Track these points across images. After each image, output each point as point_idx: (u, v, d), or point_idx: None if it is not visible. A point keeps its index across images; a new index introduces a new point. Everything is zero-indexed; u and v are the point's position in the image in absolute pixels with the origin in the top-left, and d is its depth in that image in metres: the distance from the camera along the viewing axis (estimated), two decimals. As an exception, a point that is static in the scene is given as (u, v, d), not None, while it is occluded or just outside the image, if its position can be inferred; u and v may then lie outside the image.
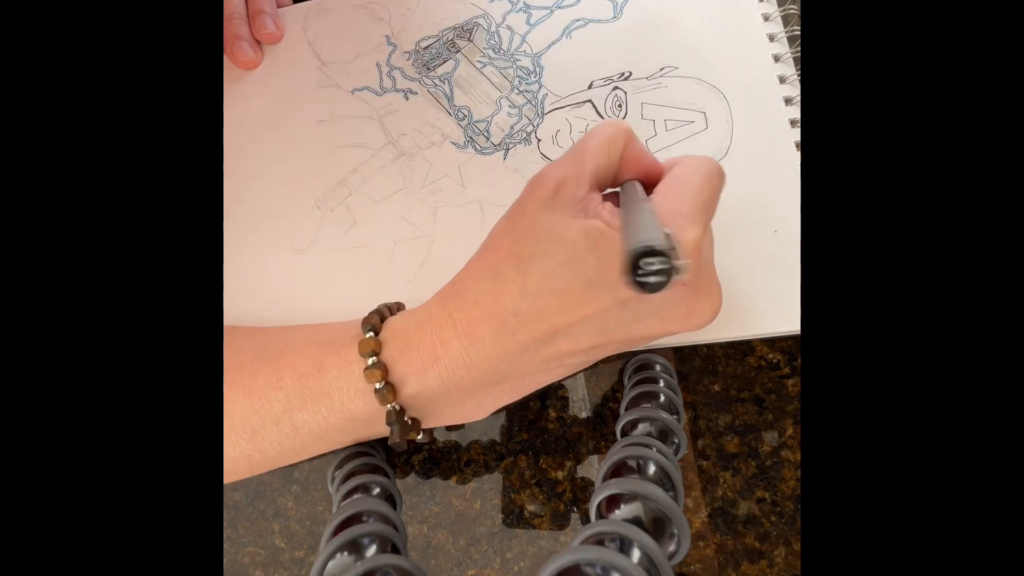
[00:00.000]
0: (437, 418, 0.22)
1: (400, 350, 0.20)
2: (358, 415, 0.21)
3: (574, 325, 0.19)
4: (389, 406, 0.20)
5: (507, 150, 0.29)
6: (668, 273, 0.12)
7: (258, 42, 0.33)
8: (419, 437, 0.22)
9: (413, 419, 0.21)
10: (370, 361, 0.20)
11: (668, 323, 0.20)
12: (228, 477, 0.23)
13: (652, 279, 0.12)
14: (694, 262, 0.19)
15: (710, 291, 0.20)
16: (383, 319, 0.22)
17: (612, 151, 0.21)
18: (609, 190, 0.22)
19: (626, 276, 0.13)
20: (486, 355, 0.20)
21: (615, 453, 0.20)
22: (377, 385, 0.20)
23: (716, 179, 0.21)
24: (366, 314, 0.22)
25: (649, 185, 0.21)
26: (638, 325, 0.19)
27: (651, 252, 0.12)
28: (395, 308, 0.23)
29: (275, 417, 0.21)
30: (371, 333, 0.21)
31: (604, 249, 0.18)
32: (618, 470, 0.19)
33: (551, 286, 0.19)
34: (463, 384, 0.20)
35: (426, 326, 0.20)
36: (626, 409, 0.23)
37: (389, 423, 0.21)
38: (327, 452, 0.23)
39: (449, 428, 0.26)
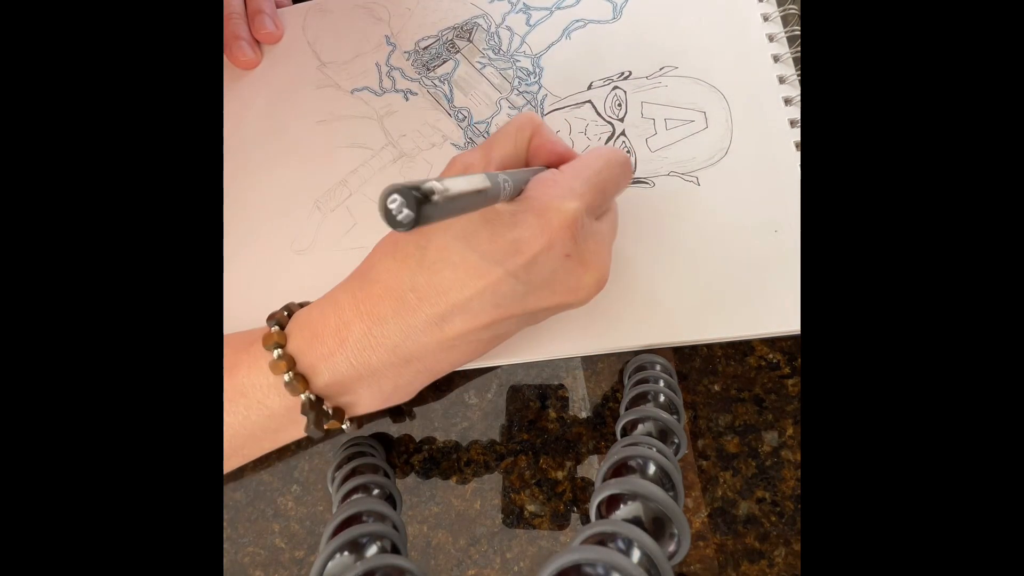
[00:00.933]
0: (360, 404, 0.22)
1: (306, 340, 0.21)
2: (277, 411, 0.21)
3: (471, 300, 0.19)
4: (303, 396, 0.21)
5: (507, 150, 0.29)
6: (412, 207, 0.13)
7: (257, 42, 0.33)
8: (345, 426, 0.22)
9: (335, 408, 0.22)
10: (276, 354, 0.20)
11: (558, 295, 0.21)
12: None
13: (401, 215, 0.13)
14: (572, 236, 0.20)
15: (596, 266, 0.21)
16: (290, 313, 0.22)
17: (519, 139, 0.22)
18: None
19: (380, 211, 0.14)
20: (389, 333, 0.20)
21: (615, 453, 0.20)
22: (286, 377, 0.20)
23: (617, 167, 0.22)
24: None
25: None
26: (532, 298, 0.20)
27: (395, 190, 0.13)
28: (300, 306, 0.23)
29: None
30: (276, 327, 0.21)
31: (495, 224, 0.19)
32: (618, 470, 0.19)
33: (447, 259, 0.19)
34: (372, 365, 0.21)
35: (329, 312, 0.21)
36: (626, 409, 0.23)
37: (303, 413, 0.21)
38: (266, 452, 0.23)
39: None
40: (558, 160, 0.23)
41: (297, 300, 0.24)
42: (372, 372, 0.21)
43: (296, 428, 0.22)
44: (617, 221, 0.24)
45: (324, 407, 0.21)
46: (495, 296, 0.20)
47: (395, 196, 0.13)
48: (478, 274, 0.19)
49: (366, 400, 0.22)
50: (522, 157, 0.22)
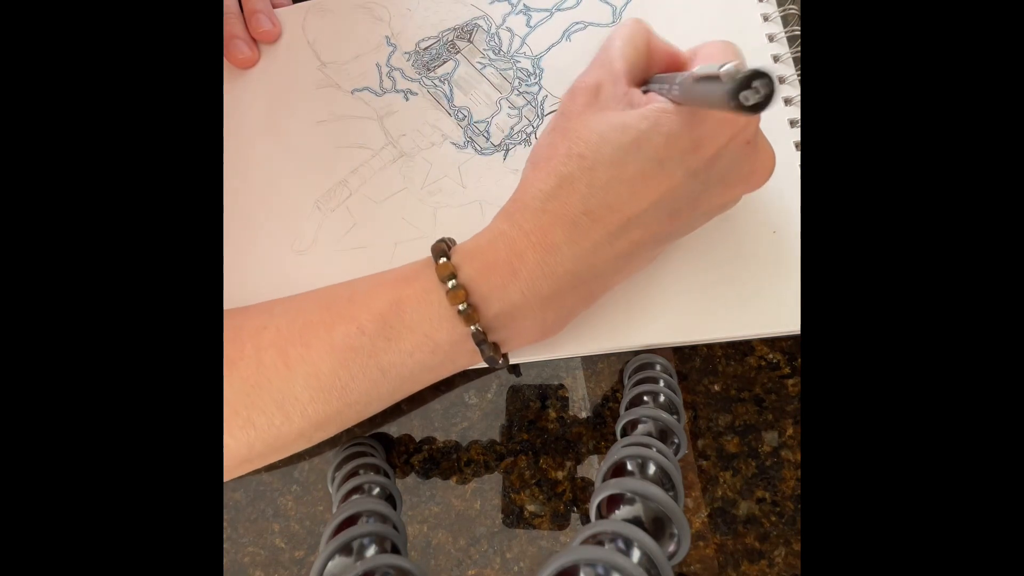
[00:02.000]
0: (517, 337, 0.22)
1: (477, 270, 0.20)
2: (442, 344, 0.21)
3: (646, 211, 0.19)
4: (474, 327, 0.20)
5: (507, 151, 0.29)
6: (771, 87, 0.13)
7: (255, 41, 0.33)
8: (500, 363, 0.22)
9: (494, 343, 0.21)
10: (450, 284, 0.20)
11: (733, 187, 0.20)
12: (323, 434, 0.22)
13: (756, 98, 0.13)
14: (756, 120, 0.19)
15: (766, 148, 0.21)
16: (449, 247, 0.22)
17: (639, 45, 0.21)
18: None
19: (731, 102, 0.14)
20: (563, 260, 0.20)
21: (615, 453, 0.20)
22: (461, 307, 0.20)
23: (738, 55, 0.21)
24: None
25: None
26: (706, 195, 0.20)
27: (757, 75, 0.13)
28: (450, 242, 0.23)
29: (362, 367, 0.21)
30: (444, 259, 0.21)
31: (667, 125, 0.19)
32: (618, 470, 0.19)
33: (620, 175, 0.19)
34: (543, 294, 0.20)
35: (499, 243, 0.20)
36: (626, 409, 0.23)
37: (478, 342, 0.20)
38: (411, 393, 0.23)
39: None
40: (673, 62, 0.22)
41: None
42: (541, 301, 0.20)
43: (451, 365, 0.22)
44: None
45: (488, 339, 0.21)
46: (671, 202, 0.19)
47: (760, 82, 0.13)
48: (657, 182, 0.19)
49: (526, 332, 0.22)
50: (644, 63, 0.22)
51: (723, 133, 0.19)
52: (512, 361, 0.26)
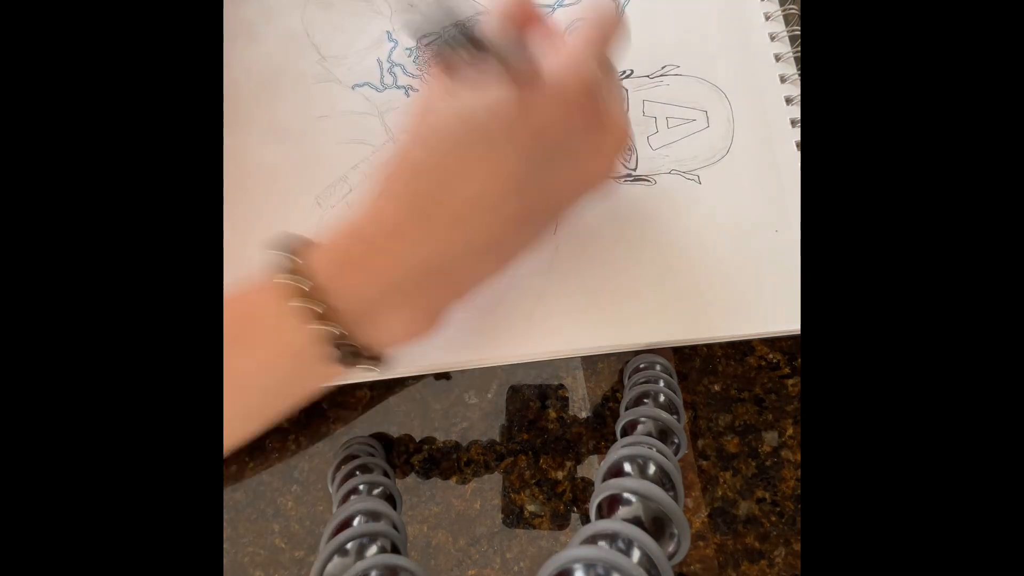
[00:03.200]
0: (385, 336, 0.21)
1: (326, 264, 0.19)
2: (295, 348, 0.20)
3: (487, 191, 0.19)
4: (333, 328, 0.19)
5: (507, 149, 0.29)
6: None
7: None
8: (372, 366, 0.21)
9: (353, 347, 0.20)
10: (296, 280, 0.19)
11: (581, 162, 0.20)
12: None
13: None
14: (586, 96, 0.19)
15: (615, 121, 0.21)
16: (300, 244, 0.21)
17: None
18: None
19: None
20: (414, 248, 0.19)
21: (615, 453, 0.20)
22: (309, 304, 0.19)
23: (610, 25, 0.21)
24: None
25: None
26: (550, 172, 0.19)
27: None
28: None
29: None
30: (290, 256, 0.20)
31: (503, 106, 0.19)
32: (618, 470, 0.19)
33: (462, 157, 0.19)
34: (399, 285, 0.19)
35: (350, 234, 0.20)
36: (626, 409, 0.23)
37: (334, 344, 0.19)
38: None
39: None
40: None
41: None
42: (399, 293, 0.20)
43: (309, 378, 0.21)
44: (619, 81, 0.23)
45: (349, 342, 0.20)
46: (514, 181, 0.19)
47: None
48: (492, 160, 0.18)
49: (392, 330, 0.21)
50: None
51: (550, 111, 0.19)
52: (510, 360, 0.26)
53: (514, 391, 0.26)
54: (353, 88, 0.31)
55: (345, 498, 0.21)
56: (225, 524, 0.25)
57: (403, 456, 0.26)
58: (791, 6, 0.30)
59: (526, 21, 0.21)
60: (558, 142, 0.19)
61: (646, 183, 0.28)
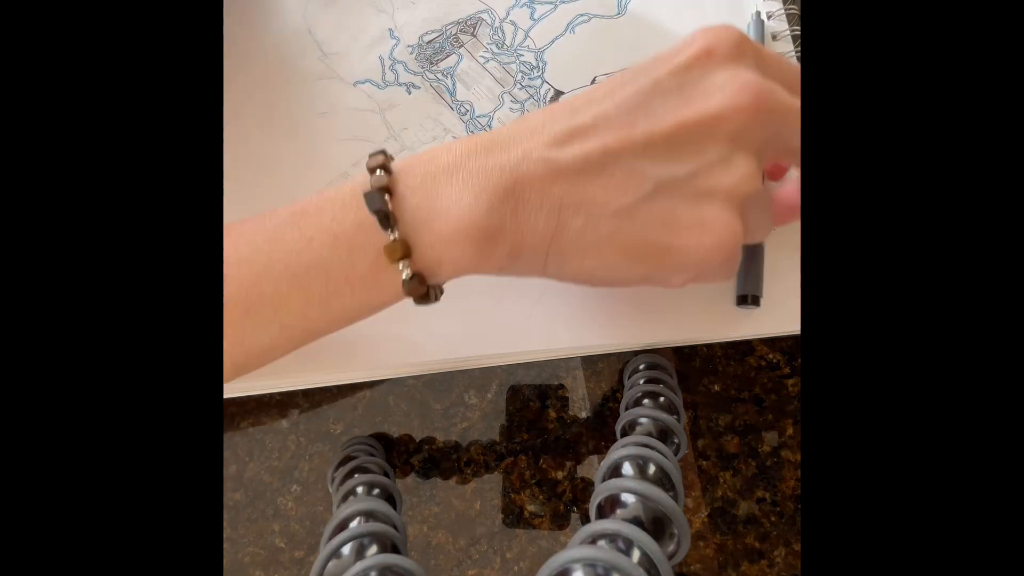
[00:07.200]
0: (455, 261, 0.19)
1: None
2: (343, 233, 0.18)
3: (602, 114, 0.18)
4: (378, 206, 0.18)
5: (508, 148, 0.29)
6: None
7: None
8: (429, 294, 0.19)
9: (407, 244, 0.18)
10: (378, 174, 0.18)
11: (672, 232, 0.18)
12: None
13: None
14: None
15: (730, 239, 0.19)
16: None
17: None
18: None
19: None
20: (502, 157, 0.18)
21: (615, 453, 0.20)
22: (379, 175, 0.18)
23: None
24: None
25: None
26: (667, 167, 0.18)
27: None
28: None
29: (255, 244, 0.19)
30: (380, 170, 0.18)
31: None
32: (618, 470, 0.19)
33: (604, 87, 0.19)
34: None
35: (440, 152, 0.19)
36: (626, 409, 0.23)
37: (382, 221, 0.18)
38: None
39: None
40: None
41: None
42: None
43: (353, 280, 0.19)
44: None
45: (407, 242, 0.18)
46: (630, 114, 0.18)
47: None
48: (614, 85, 0.18)
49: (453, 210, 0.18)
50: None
51: (696, 43, 0.18)
52: (509, 360, 0.26)
53: (514, 391, 0.26)
54: (355, 85, 0.31)
55: (345, 498, 0.21)
56: (225, 524, 0.25)
57: (403, 456, 0.26)
58: (791, 6, 0.30)
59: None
60: (695, 78, 0.18)
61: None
